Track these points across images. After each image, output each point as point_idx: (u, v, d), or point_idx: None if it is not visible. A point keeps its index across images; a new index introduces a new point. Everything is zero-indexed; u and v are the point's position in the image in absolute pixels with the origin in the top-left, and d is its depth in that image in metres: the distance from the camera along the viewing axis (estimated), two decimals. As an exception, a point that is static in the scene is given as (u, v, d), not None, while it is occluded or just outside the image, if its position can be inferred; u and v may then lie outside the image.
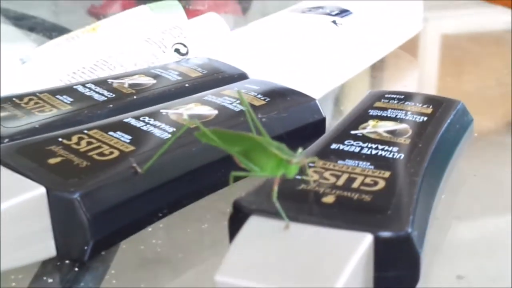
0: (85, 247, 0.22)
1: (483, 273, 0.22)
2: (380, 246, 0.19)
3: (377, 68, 0.39)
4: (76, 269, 0.22)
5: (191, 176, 0.24)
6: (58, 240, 0.22)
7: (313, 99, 0.29)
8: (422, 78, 0.35)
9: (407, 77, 0.39)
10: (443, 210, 0.24)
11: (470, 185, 0.26)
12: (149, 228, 0.24)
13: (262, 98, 0.28)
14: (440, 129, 0.25)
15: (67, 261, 0.22)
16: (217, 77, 0.31)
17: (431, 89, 0.36)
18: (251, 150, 0.20)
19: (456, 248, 0.23)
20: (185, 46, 0.34)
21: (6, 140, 0.25)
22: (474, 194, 0.25)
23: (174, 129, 0.25)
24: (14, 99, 0.28)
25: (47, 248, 0.22)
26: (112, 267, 0.22)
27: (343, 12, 0.36)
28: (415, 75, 0.40)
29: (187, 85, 0.30)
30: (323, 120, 0.28)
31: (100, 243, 0.22)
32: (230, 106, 0.27)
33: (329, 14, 0.35)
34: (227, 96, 0.28)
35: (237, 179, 0.20)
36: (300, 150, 0.20)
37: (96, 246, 0.22)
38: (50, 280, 0.21)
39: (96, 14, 0.52)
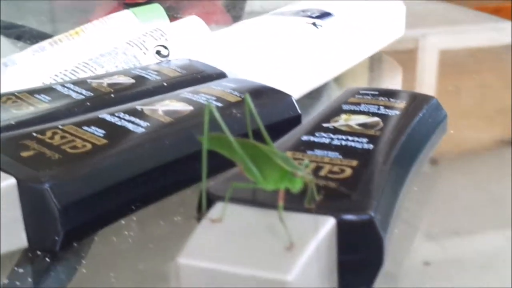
0: (56, 238, 0.22)
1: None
2: (343, 230, 0.19)
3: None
4: (47, 259, 0.22)
5: (165, 170, 0.25)
6: (30, 231, 0.22)
7: (289, 96, 0.29)
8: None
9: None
10: (415, 201, 0.25)
11: (468, 200, 0.25)
12: (122, 221, 0.24)
13: (238, 94, 0.28)
14: (411, 122, 0.25)
15: (38, 252, 0.22)
16: (196, 77, 0.31)
17: None
18: (254, 159, 0.19)
19: (455, 262, 0.22)
20: (166, 48, 0.35)
21: (-18, 136, 0.25)
22: (473, 208, 0.25)
23: (148, 124, 0.25)
24: (-8, 98, 0.28)
25: (19, 239, 0.22)
26: (85, 259, 0.22)
27: (324, 15, 0.36)
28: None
29: (165, 84, 0.30)
30: (298, 116, 0.28)
31: (71, 234, 0.22)
32: (206, 103, 0.27)
33: (310, 17, 0.36)
34: (203, 94, 0.28)
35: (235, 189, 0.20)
36: (306, 161, 0.20)
37: (68, 237, 0.22)
38: (20, 270, 0.22)
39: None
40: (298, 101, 0.32)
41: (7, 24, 0.51)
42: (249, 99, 0.20)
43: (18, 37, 0.46)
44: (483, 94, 0.36)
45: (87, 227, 0.23)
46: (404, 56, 0.43)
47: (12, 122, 0.26)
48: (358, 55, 0.37)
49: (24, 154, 0.23)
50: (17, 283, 0.21)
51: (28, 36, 0.47)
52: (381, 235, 0.19)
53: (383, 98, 0.27)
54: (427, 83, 0.38)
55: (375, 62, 0.42)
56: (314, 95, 0.35)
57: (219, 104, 0.27)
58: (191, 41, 0.35)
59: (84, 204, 0.22)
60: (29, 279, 0.21)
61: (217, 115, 0.19)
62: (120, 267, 0.22)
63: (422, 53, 0.44)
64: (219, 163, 0.21)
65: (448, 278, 0.21)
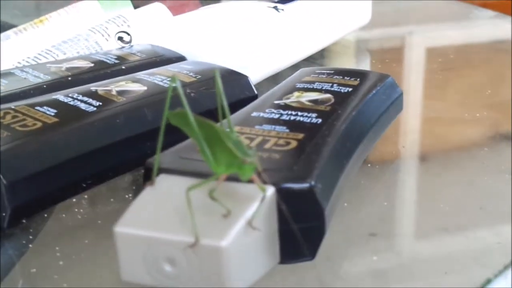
0: (3, 214, 0.22)
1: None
2: (283, 199, 0.19)
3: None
4: (-5, 235, 0.22)
5: (115, 148, 0.25)
6: (-23, 207, 0.22)
7: (246, 76, 0.29)
8: (408, 92, 0.34)
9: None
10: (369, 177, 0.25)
11: (458, 196, 0.25)
12: (73, 199, 0.24)
13: (193, 75, 0.28)
14: (363, 98, 0.26)
15: (-13, 229, 0.22)
16: (155, 60, 0.31)
17: (416, 103, 0.35)
18: (210, 140, 0.19)
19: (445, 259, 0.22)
20: (128, 34, 0.35)
21: None
22: (463, 204, 0.25)
23: (101, 103, 0.25)
24: None
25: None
26: (33, 235, 0.22)
27: (287, 0, 0.36)
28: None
29: (123, 67, 0.30)
30: (255, 97, 0.29)
31: (19, 210, 0.22)
32: (160, 83, 0.27)
33: (272, 1, 0.36)
34: (158, 75, 0.28)
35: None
36: (254, 148, 0.20)
37: (15, 213, 0.22)
38: (-33, 246, 0.22)
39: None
40: (259, 84, 0.32)
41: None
42: (218, 75, 0.20)
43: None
44: (470, 90, 0.36)
45: (36, 204, 0.23)
46: (391, 53, 0.42)
47: (-34, 105, 0.26)
48: (321, 40, 0.38)
49: (-27, 132, 0.23)
50: (-37, 258, 0.21)
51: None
52: (322, 204, 0.20)
53: (337, 76, 0.28)
54: (414, 80, 0.37)
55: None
56: (279, 80, 0.35)
57: (173, 84, 0.27)
58: (154, 27, 0.35)
59: (33, 180, 0.22)
60: (-25, 254, 0.21)
61: (179, 88, 0.19)
62: (67, 242, 0.22)
63: (409, 50, 0.44)
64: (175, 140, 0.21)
65: (437, 275, 0.20)
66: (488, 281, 0.19)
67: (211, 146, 0.19)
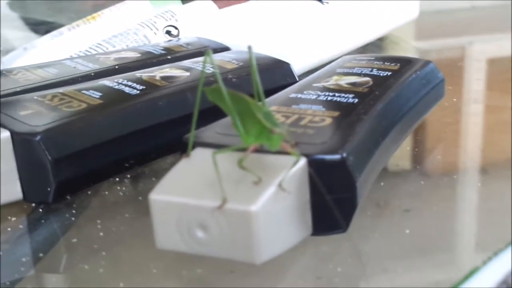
0: (49, 189, 0.23)
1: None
2: (315, 170, 0.19)
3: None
4: (40, 210, 0.23)
5: (157, 130, 0.25)
6: (24, 184, 0.23)
7: (287, 63, 0.29)
8: (469, 102, 0.33)
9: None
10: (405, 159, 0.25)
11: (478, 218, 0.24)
12: (116, 178, 0.25)
13: (236, 63, 0.29)
14: (402, 81, 0.26)
15: (33, 204, 0.23)
16: (200, 51, 0.32)
17: (477, 113, 0.34)
18: (242, 112, 0.19)
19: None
20: (176, 28, 0.36)
21: (-13, 101, 0.26)
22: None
23: (144, 87, 0.26)
24: (3, 72, 0.29)
25: (14, 191, 0.23)
26: (76, 210, 0.23)
27: (333, -6, 0.37)
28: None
29: (169, 57, 0.31)
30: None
31: (63, 186, 0.23)
32: (210, 70, 0.28)
33: (318, -5, 0.36)
34: (202, 62, 0.29)
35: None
36: (286, 124, 0.20)
37: (60, 188, 0.23)
38: (13, 219, 0.22)
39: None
40: (302, 76, 0.32)
41: (38, 22, 0.53)
42: (251, 50, 0.20)
43: (47, 32, 0.47)
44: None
45: (80, 181, 0.24)
46: (450, 64, 0.41)
47: (18, 89, 0.27)
48: (366, 34, 0.38)
49: (22, 112, 0.24)
50: (9, 229, 0.22)
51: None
52: (354, 175, 0.20)
53: (378, 62, 0.28)
54: (474, 90, 0.36)
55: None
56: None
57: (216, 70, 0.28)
58: (201, 21, 0.36)
59: (76, 158, 0.23)
60: (21, 226, 0.22)
61: (213, 60, 0.20)
62: (108, 216, 0.23)
63: (469, 61, 0.44)
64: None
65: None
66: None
67: (243, 118, 0.19)
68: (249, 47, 0.20)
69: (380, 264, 0.20)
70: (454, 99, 0.32)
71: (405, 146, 0.27)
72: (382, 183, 0.23)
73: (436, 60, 0.28)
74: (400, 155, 0.26)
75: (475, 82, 0.37)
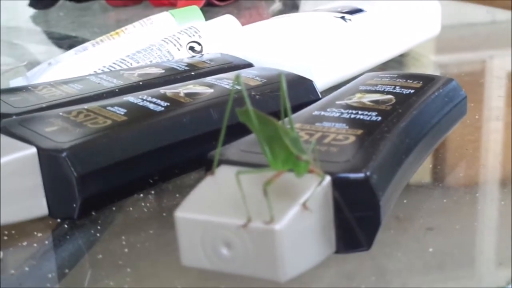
0: (74, 205, 0.23)
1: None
2: (339, 188, 0.20)
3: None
4: (66, 225, 0.23)
5: (182, 146, 0.26)
6: (50, 199, 0.23)
7: (310, 81, 0.30)
8: (489, 117, 0.33)
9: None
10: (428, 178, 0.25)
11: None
12: (140, 194, 0.25)
13: (259, 79, 0.29)
14: (425, 99, 0.26)
15: (58, 220, 0.23)
16: (224, 67, 0.32)
17: (498, 129, 0.33)
18: (271, 136, 0.19)
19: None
20: (199, 44, 0.36)
21: (14, 116, 0.26)
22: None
23: (168, 104, 0.26)
24: (29, 87, 0.30)
25: (40, 207, 0.23)
26: (101, 226, 0.23)
27: (355, 11, 0.37)
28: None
29: (193, 73, 0.31)
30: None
31: (89, 202, 0.23)
32: (227, 86, 0.28)
33: (339, 12, 0.36)
34: (226, 79, 0.29)
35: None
36: (313, 143, 0.20)
37: (85, 204, 0.23)
38: (39, 234, 0.23)
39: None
40: (324, 92, 0.33)
41: (62, 36, 0.54)
42: (283, 77, 0.20)
43: (70, 47, 0.48)
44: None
45: (104, 197, 0.24)
46: (471, 80, 0.41)
47: (43, 105, 0.28)
48: (388, 51, 0.38)
49: (48, 129, 0.24)
50: (35, 245, 0.22)
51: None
52: (377, 194, 0.20)
53: (400, 80, 0.28)
54: (495, 105, 0.36)
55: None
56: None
57: (239, 87, 0.28)
58: (224, 37, 0.36)
59: (102, 174, 0.23)
60: (46, 242, 0.22)
61: (242, 84, 0.20)
62: (133, 233, 0.23)
63: (490, 75, 0.44)
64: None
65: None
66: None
67: (271, 142, 0.19)
68: (281, 75, 0.20)
69: (403, 281, 0.20)
70: (476, 116, 0.32)
71: (428, 163, 0.27)
72: (405, 201, 0.23)
73: (456, 74, 0.28)
74: (422, 171, 0.26)
75: (496, 99, 0.37)
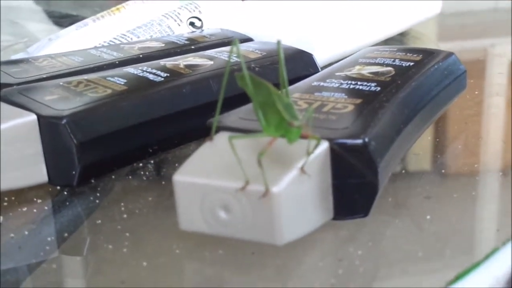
0: (73, 172, 0.23)
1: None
2: (337, 154, 0.20)
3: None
4: (65, 192, 0.23)
5: (181, 116, 0.26)
6: (49, 166, 0.23)
7: (310, 54, 0.30)
8: (491, 105, 0.33)
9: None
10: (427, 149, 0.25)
11: None
12: (140, 163, 0.25)
13: (259, 52, 0.29)
14: (424, 71, 0.26)
15: (58, 187, 0.23)
16: (223, 41, 0.32)
17: (499, 116, 0.32)
18: (266, 101, 0.19)
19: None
20: (200, 20, 0.36)
21: (14, 86, 0.26)
22: None
23: (168, 74, 0.26)
24: (30, 59, 0.30)
25: (39, 173, 0.23)
26: (100, 193, 0.23)
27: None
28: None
29: (193, 47, 0.31)
30: (319, 74, 0.29)
31: (88, 170, 0.23)
32: (226, 58, 0.28)
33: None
34: (225, 52, 0.29)
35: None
36: (310, 109, 0.20)
37: (85, 172, 0.23)
38: (39, 201, 0.23)
39: None
40: (325, 67, 0.33)
41: (63, 15, 0.54)
42: (280, 45, 0.20)
43: (70, 25, 0.48)
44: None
45: (104, 165, 0.24)
46: (472, 66, 0.41)
47: (44, 76, 0.28)
48: (389, 28, 0.38)
49: (48, 97, 0.24)
50: (34, 211, 0.22)
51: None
52: (375, 160, 0.20)
53: (400, 53, 0.28)
54: (497, 93, 0.36)
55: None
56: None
57: (239, 59, 0.28)
58: (225, 13, 0.36)
59: (101, 142, 0.23)
60: (46, 208, 0.23)
61: (239, 49, 0.20)
62: (132, 199, 0.23)
63: (491, 63, 0.44)
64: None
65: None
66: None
67: (265, 107, 0.19)
68: (278, 41, 0.20)
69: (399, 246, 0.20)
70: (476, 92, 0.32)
71: (426, 135, 0.27)
72: (403, 171, 0.24)
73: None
74: (421, 142, 0.26)
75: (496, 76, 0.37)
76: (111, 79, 0.26)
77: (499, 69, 0.40)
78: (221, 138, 0.21)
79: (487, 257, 0.15)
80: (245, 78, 0.20)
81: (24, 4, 0.62)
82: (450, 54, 0.28)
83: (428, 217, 0.21)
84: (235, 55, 0.28)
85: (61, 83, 0.26)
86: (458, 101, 0.28)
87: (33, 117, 0.23)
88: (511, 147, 0.27)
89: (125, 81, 0.26)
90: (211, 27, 0.36)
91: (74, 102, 0.24)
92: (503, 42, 0.47)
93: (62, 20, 0.52)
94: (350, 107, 0.22)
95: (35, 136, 0.23)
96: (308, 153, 0.19)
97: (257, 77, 0.20)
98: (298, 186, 0.19)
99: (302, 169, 0.19)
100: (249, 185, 0.18)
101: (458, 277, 0.14)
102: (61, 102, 0.24)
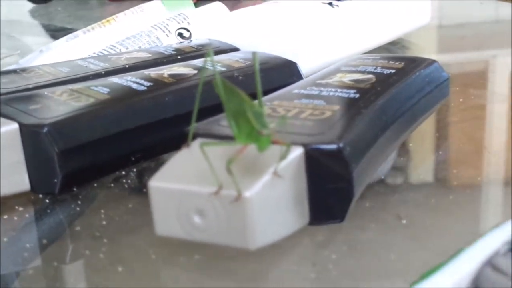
0: (55, 180, 0.23)
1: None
2: (312, 159, 0.20)
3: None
4: (47, 200, 0.23)
5: (164, 125, 0.26)
6: (31, 174, 0.23)
7: (294, 63, 0.30)
8: (492, 116, 0.33)
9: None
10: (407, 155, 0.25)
11: None
12: (122, 172, 0.25)
13: (243, 62, 0.29)
14: (405, 78, 0.26)
15: (40, 195, 0.24)
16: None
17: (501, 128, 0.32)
18: (238, 110, 0.19)
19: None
20: (188, 30, 0.36)
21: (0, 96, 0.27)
22: None
23: (152, 84, 0.27)
24: (17, 70, 0.30)
25: (22, 182, 0.23)
26: (81, 201, 0.23)
27: (343, -2, 0.37)
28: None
29: (179, 57, 0.32)
30: (303, 82, 0.29)
31: (70, 177, 0.23)
32: (211, 67, 0.29)
33: (328, -2, 0.37)
34: (209, 61, 0.29)
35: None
36: (283, 116, 0.20)
37: (66, 180, 0.23)
38: (20, 209, 0.23)
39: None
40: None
41: (58, 28, 0.54)
42: (256, 56, 0.20)
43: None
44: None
45: (86, 173, 0.24)
46: (474, 78, 0.41)
47: (30, 86, 0.28)
48: (376, 38, 0.38)
49: (32, 107, 0.25)
50: (15, 218, 0.23)
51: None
52: (350, 165, 0.20)
53: (382, 61, 0.28)
54: (498, 104, 0.36)
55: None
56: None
57: (223, 69, 0.28)
58: (213, 24, 0.36)
59: (83, 150, 0.24)
60: (27, 215, 0.23)
61: (213, 57, 0.20)
62: (112, 207, 0.23)
63: (493, 74, 0.43)
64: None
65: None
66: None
67: (237, 115, 0.19)
68: (254, 53, 0.21)
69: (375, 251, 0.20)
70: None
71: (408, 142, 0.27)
72: (382, 177, 0.24)
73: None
74: (401, 149, 0.26)
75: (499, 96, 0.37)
76: (95, 88, 0.26)
77: (500, 79, 0.40)
78: (197, 145, 0.21)
79: (451, 257, 0.15)
80: (219, 86, 0.20)
81: (21, 18, 0.63)
82: (432, 61, 0.28)
83: (404, 221, 0.21)
84: (219, 64, 0.28)
85: (45, 93, 0.26)
86: (454, 110, 0.28)
87: (15, 126, 0.23)
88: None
89: (109, 90, 0.26)
90: (200, 37, 0.36)
91: (56, 111, 0.24)
92: (504, 53, 0.47)
93: (57, 33, 0.52)
94: (328, 114, 0.22)
95: (17, 145, 0.23)
96: (280, 159, 0.19)
97: (231, 85, 0.20)
98: (271, 190, 0.19)
99: (275, 173, 0.19)
100: (222, 190, 0.18)
101: (422, 277, 0.14)
102: (43, 111, 0.24)
